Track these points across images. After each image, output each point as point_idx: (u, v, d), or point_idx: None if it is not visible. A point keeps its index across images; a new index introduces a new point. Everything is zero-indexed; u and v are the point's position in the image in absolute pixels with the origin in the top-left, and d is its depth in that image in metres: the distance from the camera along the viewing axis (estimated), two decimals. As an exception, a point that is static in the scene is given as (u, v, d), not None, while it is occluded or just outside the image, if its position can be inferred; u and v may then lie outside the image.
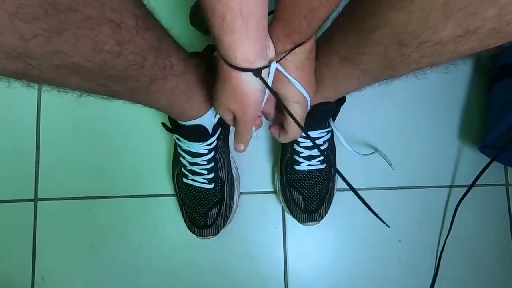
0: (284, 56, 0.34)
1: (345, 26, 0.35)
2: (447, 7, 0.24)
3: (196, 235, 0.56)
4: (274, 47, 0.35)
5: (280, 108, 0.40)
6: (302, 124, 0.41)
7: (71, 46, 0.24)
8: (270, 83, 0.35)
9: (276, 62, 0.35)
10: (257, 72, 0.32)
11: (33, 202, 0.61)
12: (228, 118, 0.40)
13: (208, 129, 0.48)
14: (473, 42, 0.26)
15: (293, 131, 0.43)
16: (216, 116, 0.48)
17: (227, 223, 0.58)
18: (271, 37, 0.34)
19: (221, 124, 0.50)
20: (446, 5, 0.24)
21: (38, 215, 0.61)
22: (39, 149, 0.62)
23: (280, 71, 0.36)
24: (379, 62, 0.32)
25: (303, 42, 0.34)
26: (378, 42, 0.30)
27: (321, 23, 0.32)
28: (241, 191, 0.61)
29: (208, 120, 0.48)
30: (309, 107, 0.42)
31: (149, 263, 0.61)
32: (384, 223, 0.34)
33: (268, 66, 0.34)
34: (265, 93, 0.36)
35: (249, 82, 0.33)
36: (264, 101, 0.38)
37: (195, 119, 0.46)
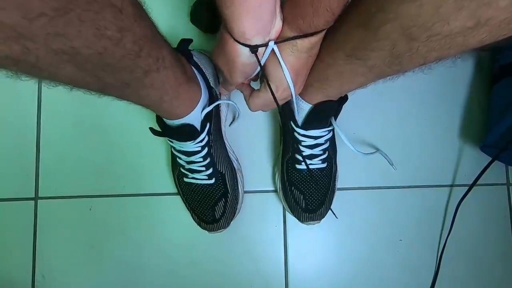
0: (284, 41, 0.35)
1: (351, 22, 0.34)
2: None
3: (208, 231, 0.56)
4: (282, 27, 0.35)
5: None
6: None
7: (74, 29, 0.23)
8: (264, 59, 0.37)
9: (275, 43, 0.36)
10: (253, 49, 0.34)
11: (33, 201, 0.61)
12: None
13: (196, 127, 0.48)
14: (483, 34, 0.26)
15: (262, 100, 0.45)
16: (203, 112, 0.48)
17: (236, 214, 0.58)
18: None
19: (209, 119, 0.50)
20: None
21: (38, 213, 0.61)
22: (39, 148, 0.62)
23: (275, 53, 0.37)
24: (386, 58, 0.32)
25: (308, 35, 0.34)
26: (387, 37, 0.30)
27: (329, 17, 0.32)
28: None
29: (195, 117, 0.47)
30: (294, 99, 0.44)
31: (150, 262, 0.61)
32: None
33: (266, 45, 0.35)
34: (256, 67, 0.39)
35: (242, 54, 0.36)
36: (254, 74, 0.41)
37: (183, 117, 0.46)
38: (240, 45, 0.35)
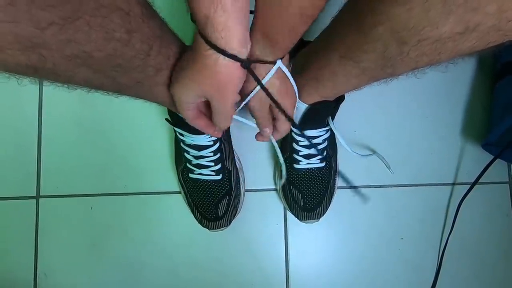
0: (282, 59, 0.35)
1: (345, 23, 0.35)
2: (447, 3, 0.24)
3: (209, 229, 0.56)
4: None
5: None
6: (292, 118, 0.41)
7: (84, 35, 0.25)
8: (267, 79, 0.36)
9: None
10: (247, 64, 0.32)
11: (35, 200, 0.61)
12: (193, 102, 0.37)
13: None
14: (473, 40, 0.26)
15: (284, 127, 0.43)
16: None
17: (237, 213, 0.58)
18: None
19: None
20: (447, 0, 0.24)
21: (40, 212, 0.61)
22: (40, 147, 0.62)
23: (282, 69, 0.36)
24: (378, 60, 0.32)
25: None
26: (378, 39, 0.30)
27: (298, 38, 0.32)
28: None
29: None
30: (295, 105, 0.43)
31: (151, 260, 0.61)
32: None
33: (260, 61, 0.34)
34: (243, 80, 0.35)
35: (233, 69, 0.32)
36: (252, 95, 0.38)
37: None
38: (230, 61, 0.31)
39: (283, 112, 0.37)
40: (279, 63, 0.35)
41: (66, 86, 0.31)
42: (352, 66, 0.36)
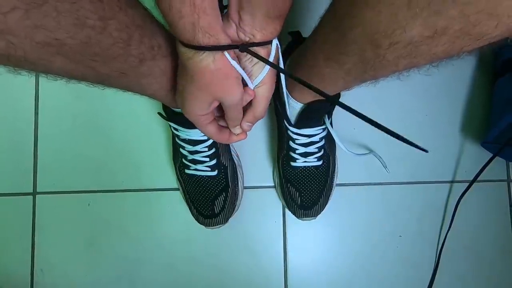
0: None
1: (327, 24, 0.34)
2: (411, 6, 0.23)
3: (205, 226, 0.56)
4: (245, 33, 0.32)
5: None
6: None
7: (52, 20, 0.24)
8: (272, 59, 0.34)
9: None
10: (243, 48, 0.31)
11: (31, 196, 0.61)
12: (209, 111, 0.37)
13: None
14: (445, 44, 0.26)
15: (261, 109, 0.40)
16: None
17: (235, 210, 0.58)
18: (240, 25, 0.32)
19: None
20: (410, 3, 0.23)
21: (37, 209, 0.61)
22: (37, 143, 0.62)
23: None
24: (359, 63, 0.32)
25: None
26: (354, 42, 0.30)
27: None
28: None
29: None
30: (285, 98, 0.43)
31: (149, 257, 0.61)
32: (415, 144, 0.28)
33: (253, 44, 0.32)
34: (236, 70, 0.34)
35: (226, 61, 0.32)
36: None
37: None
38: (222, 54, 0.31)
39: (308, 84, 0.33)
40: (276, 41, 0.33)
41: (45, 75, 0.30)
42: (336, 68, 0.35)
